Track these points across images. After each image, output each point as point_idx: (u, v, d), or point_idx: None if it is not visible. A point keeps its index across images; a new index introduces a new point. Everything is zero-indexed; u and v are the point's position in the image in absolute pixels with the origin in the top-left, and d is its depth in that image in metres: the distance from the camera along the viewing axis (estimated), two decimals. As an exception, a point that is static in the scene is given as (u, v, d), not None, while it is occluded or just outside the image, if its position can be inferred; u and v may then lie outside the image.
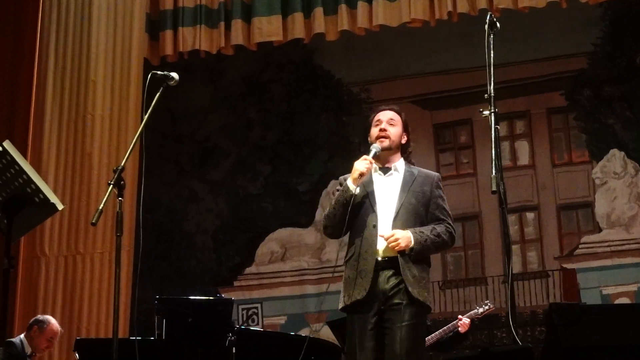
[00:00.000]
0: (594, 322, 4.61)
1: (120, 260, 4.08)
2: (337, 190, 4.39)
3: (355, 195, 4.22)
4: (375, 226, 4.22)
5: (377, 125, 4.41)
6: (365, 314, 4.15)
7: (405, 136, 4.45)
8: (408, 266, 4.19)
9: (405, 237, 4.16)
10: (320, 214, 9.07)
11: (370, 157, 4.28)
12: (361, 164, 4.25)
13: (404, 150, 4.45)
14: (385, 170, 4.37)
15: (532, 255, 8.69)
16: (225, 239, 9.42)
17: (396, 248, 4.15)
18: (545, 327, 6.43)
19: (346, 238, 4.39)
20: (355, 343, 4.15)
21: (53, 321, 6.81)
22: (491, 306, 6.67)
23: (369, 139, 4.47)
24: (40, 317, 6.85)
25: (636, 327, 4.63)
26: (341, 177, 4.43)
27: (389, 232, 4.18)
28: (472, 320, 6.60)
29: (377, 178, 4.34)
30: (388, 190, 4.32)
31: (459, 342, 6.60)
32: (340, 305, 4.28)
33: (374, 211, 4.25)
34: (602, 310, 5.78)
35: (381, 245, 4.20)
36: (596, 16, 8.65)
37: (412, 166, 4.45)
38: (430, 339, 6.33)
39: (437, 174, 4.50)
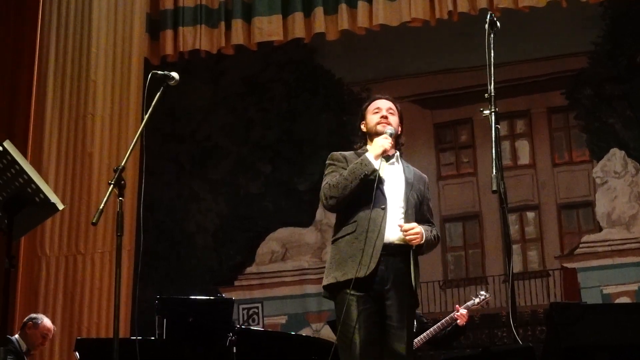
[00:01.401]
0: (595, 322, 4.60)
1: (121, 260, 4.07)
2: (333, 164, 4.33)
3: (377, 171, 4.14)
4: (384, 208, 4.15)
5: (377, 112, 4.38)
6: (364, 293, 4.06)
7: (400, 127, 4.43)
8: (414, 261, 4.19)
9: (421, 233, 4.16)
10: (321, 214, 9.07)
11: (388, 136, 4.26)
12: (385, 141, 4.22)
13: (397, 141, 4.42)
14: (387, 158, 4.31)
15: (533, 255, 8.70)
16: (226, 239, 9.42)
17: (413, 241, 4.13)
18: (546, 326, 6.43)
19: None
20: (354, 321, 4.05)
21: (46, 319, 6.89)
22: (487, 296, 6.57)
23: (362, 126, 4.43)
24: (33, 315, 6.93)
25: (637, 327, 4.62)
26: (337, 153, 4.39)
27: (408, 224, 4.14)
28: (469, 311, 6.56)
29: (381, 164, 4.25)
30: (393, 178, 4.28)
31: (457, 337, 6.54)
32: (329, 281, 4.17)
33: (382, 194, 4.19)
34: (603, 309, 5.77)
35: (389, 229, 4.14)
36: (596, 15, 8.66)
37: (405, 161, 4.45)
38: (427, 335, 6.28)
39: (425, 175, 4.50)
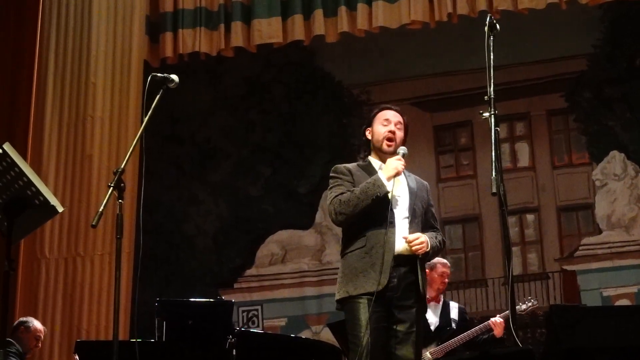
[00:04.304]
0: (594, 324, 4.62)
1: (121, 262, 4.07)
2: (339, 177, 4.37)
3: (388, 193, 4.18)
4: (392, 223, 4.21)
5: (386, 125, 4.41)
6: (376, 303, 4.11)
7: (404, 141, 4.49)
8: (422, 268, 4.28)
9: (426, 241, 4.24)
10: (320, 216, 9.07)
11: (401, 157, 4.30)
12: (398, 164, 4.26)
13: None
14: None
15: (532, 257, 8.69)
16: (226, 241, 9.42)
17: (419, 251, 4.20)
18: (546, 328, 6.43)
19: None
20: (364, 325, 4.09)
21: (35, 321, 6.89)
22: (535, 302, 6.41)
23: (367, 133, 4.47)
24: (22, 318, 6.91)
25: (636, 329, 4.63)
26: (341, 166, 4.43)
27: (412, 235, 4.22)
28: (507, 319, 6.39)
29: (383, 177, 4.30)
30: (398, 190, 4.33)
31: (495, 345, 6.36)
32: (342, 295, 4.23)
33: (391, 209, 4.24)
34: (603, 312, 5.78)
35: (398, 242, 4.22)
36: (596, 17, 8.66)
37: (406, 170, 4.48)
38: (462, 339, 6.18)
39: (426, 182, 4.57)
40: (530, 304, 6.39)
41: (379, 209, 4.19)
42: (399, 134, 4.41)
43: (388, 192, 4.19)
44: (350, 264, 4.25)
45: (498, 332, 6.15)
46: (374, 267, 4.14)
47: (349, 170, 4.38)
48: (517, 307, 6.29)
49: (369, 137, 4.47)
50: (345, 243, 4.34)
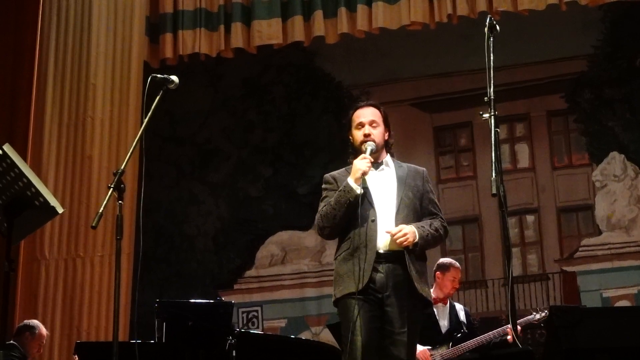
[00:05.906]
0: (595, 325, 4.61)
1: (120, 263, 4.07)
2: (325, 188, 4.37)
3: (360, 195, 4.17)
4: (374, 221, 4.20)
5: (360, 128, 4.38)
6: (365, 301, 4.11)
7: (387, 132, 4.43)
8: (412, 261, 4.19)
9: (412, 232, 4.17)
10: (320, 217, 9.07)
11: (368, 155, 4.26)
12: (362, 163, 4.21)
13: (387, 145, 4.44)
14: (375, 165, 4.34)
15: (532, 258, 8.69)
16: (226, 242, 9.42)
17: (404, 243, 4.14)
18: (546, 329, 6.43)
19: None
20: (355, 325, 4.08)
21: (41, 326, 6.87)
22: (547, 313, 6.37)
23: (350, 138, 4.44)
24: (28, 322, 6.88)
25: (636, 330, 4.63)
26: (328, 176, 4.42)
27: (395, 228, 4.17)
28: (526, 326, 6.43)
29: (370, 173, 4.28)
30: (383, 184, 4.32)
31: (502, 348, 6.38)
32: (333, 299, 4.26)
33: (371, 206, 4.23)
34: (603, 312, 5.78)
35: (382, 239, 4.19)
36: (596, 18, 8.67)
37: (398, 161, 4.47)
38: (474, 344, 6.16)
39: (423, 168, 4.51)
40: (543, 313, 6.42)
41: (360, 209, 4.17)
42: (375, 132, 4.35)
43: (358, 194, 4.16)
44: (337, 267, 4.27)
45: (512, 338, 6.16)
46: (357, 267, 4.13)
47: (334, 179, 4.37)
48: (532, 316, 6.39)
49: (352, 141, 4.45)
50: (337, 247, 4.35)
